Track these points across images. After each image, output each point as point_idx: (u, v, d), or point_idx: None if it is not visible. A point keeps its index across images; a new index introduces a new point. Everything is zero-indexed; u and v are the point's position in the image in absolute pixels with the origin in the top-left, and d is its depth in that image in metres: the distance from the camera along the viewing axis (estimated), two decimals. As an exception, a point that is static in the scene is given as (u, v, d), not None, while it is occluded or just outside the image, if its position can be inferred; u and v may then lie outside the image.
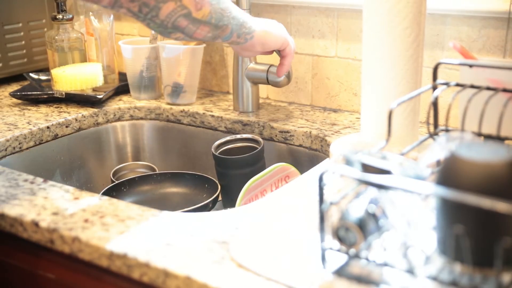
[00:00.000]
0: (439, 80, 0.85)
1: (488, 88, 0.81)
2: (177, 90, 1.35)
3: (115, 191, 1.19)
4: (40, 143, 1.22)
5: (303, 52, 1.33)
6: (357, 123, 1.21)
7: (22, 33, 1.52)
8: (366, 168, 0.66)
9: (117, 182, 1.20)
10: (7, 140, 1.16)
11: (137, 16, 0.90)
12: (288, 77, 1.25)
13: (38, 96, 1.35)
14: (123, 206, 0.86)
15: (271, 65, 1.27)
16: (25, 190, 0.92)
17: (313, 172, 0.99)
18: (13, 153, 1.17)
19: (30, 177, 0.97)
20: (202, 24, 0.94)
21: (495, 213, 0.55)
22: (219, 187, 1.15)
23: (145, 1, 0.88)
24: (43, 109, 1.32)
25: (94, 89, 1.38)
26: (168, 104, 1.37)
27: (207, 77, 1.48)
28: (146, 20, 0.91)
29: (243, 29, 1.01)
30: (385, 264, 0.64)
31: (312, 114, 1.28)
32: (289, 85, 1.31)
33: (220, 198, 1.17)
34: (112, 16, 1.43)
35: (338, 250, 0.66)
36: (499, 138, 0.77)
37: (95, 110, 1.33)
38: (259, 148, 1.12)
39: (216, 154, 1.13)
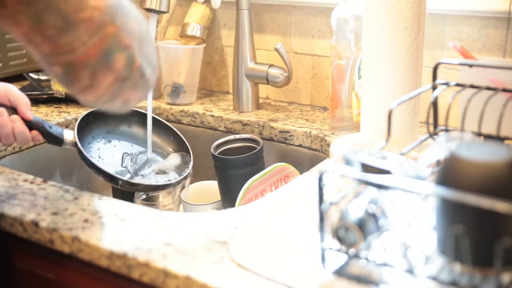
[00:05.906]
0: (439, 80, 0.85)
1: (488, 88, 0.81)
2: (177, 90, 1.35)
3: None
4: (40, 143, 1.21)
5: (303, 52, 1.33)
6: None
7: (22, 33, 1.52)
8: (366, 168, 0.66)
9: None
10: (7, 140, 1.15)
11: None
12: (288, 77, 1.25)
13: (38, 96, 1.34)
14: (123, 206, 0.86)
15: (270, 65, 1.27)
16: (25, 190, 0.92)
17: (313, 172, 0.99)
18: (13, 153, 1.17)
19: (30, 177, 0.97)
20: None
21: (495, 213, 0.55)
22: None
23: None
24: (43, 109, 1.32)
25: (94, 89, 1.38)
26: (168, 104, 1.36)
27: (207, 77, 1.48)
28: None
29: None
30: (385, 264, 0.64)
31: (312, 114, 1.28)
32: (289, 85, 1.31)
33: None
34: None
35: (338, 250, 0.66)
36: (499, 138, 0.77)
37: (95, 110, 1.33)
38: (258, 148, 1.12)
39: (215, 154, 1.13)
